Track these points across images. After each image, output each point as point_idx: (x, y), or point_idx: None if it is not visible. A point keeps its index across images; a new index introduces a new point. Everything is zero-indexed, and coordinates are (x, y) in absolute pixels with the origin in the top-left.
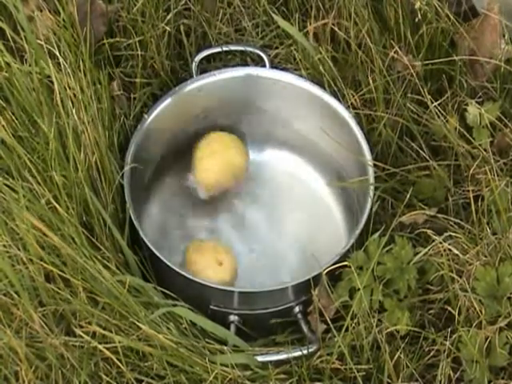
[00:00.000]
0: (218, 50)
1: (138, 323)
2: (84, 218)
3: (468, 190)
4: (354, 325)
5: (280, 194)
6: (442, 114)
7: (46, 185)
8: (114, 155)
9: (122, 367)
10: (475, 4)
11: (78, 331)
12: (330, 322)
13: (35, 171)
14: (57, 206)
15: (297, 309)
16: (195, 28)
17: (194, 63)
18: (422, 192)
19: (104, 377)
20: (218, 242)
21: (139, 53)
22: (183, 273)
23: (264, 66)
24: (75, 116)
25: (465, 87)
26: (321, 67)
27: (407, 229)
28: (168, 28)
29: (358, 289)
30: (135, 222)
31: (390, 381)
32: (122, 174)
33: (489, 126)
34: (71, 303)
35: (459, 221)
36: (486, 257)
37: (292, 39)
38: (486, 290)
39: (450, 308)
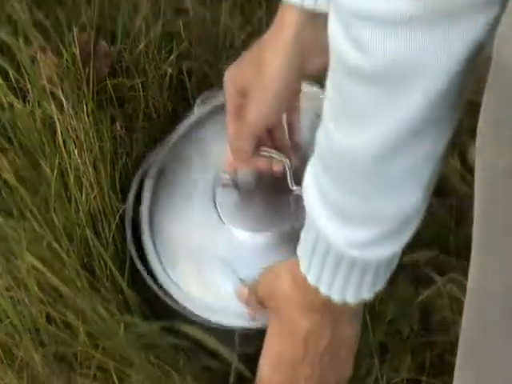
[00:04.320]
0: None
1: None
2: (85, 260)
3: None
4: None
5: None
6: None
7: (48, 226)
8: (116, 195)
9: None
10: None
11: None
12: None
13: (37, 212)
14: (58, 248)
15: None
16: (197, 69)
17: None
18: (424, 232)
19: None
20: None
21: (141, 93)
22: (184, 313)
23: None
24: (77, 156)
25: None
26: None
27: (409, 269)
28: (170, 70)
29: None
30: (138, 266)
31: None
32: (124, 214)
33: None
34: (72, 346)
35: (462, 261)
36: None
37: None
38: None
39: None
